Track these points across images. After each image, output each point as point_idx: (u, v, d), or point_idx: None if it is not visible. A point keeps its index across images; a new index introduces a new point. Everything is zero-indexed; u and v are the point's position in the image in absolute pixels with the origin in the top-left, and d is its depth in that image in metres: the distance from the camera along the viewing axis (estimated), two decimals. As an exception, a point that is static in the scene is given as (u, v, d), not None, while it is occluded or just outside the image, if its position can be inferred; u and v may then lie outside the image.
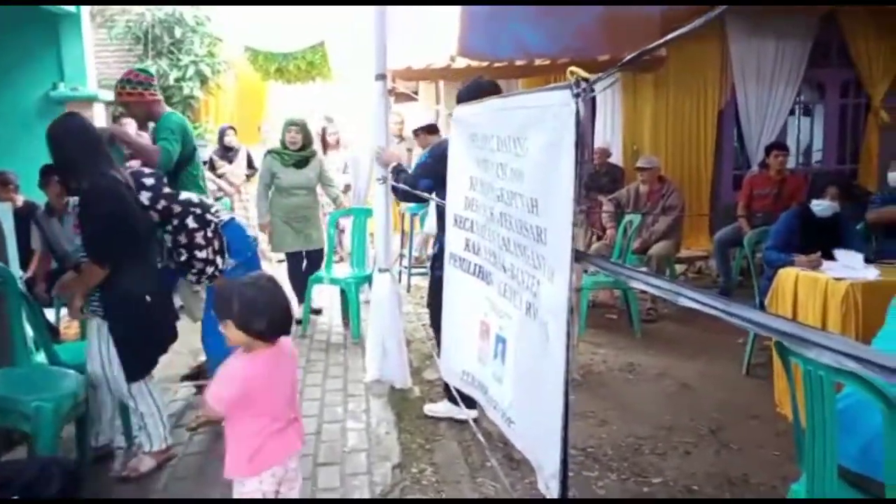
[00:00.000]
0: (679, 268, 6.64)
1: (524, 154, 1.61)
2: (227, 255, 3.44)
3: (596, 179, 6.88)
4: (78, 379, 2.96)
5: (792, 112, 7.32)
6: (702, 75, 6.87)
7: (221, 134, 7.42)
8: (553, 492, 1.41)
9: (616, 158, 7.17)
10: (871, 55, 6.90)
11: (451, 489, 2.98)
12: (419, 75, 7.12)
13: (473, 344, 2.09)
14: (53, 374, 3.07)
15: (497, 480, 2.98)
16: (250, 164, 7.35)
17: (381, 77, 3.87)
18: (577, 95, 1.26)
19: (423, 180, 3.50)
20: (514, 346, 1.79)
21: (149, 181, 3.21)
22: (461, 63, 6.40)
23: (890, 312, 2.43)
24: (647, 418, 3.71)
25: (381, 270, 4.02)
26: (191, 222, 3.28)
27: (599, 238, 6.12)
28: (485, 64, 6.49)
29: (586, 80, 1.23)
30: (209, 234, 3.33)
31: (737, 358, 4.32)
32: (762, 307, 3.92)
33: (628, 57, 1.13)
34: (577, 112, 1.27)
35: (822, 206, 4.02)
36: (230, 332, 2.05)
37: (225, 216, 3.53)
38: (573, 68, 1.20)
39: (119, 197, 2.93)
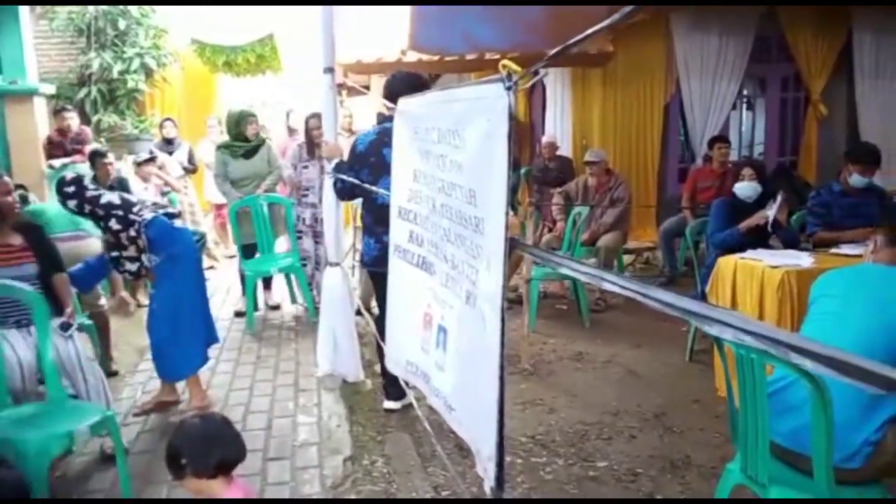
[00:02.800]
0: (627, 258, 6.78)
1: (462, 146, 1.64)
2: (150, 253, 3.54)
3: (546, 173, 6.98)
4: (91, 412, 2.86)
5: (735, 106, 7.53)
6: (648, 70, 7.02)
7: (161, 126, 7.35)
8: (490, 475, 1.45)
9: (566, 152, 7.27)
10: (809, 50, 7.14)
11: (402, 479, 3.01)
12: (370, 69, 7.11)
13: (417, 334, 2.12)
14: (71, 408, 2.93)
15: (448, 469, 3.02)
16: (191, 160, 7.24)
17: (329, 70, 3.85)
18: (508, 88, 1.29)
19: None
20: (454, 335, 1.82)
21: (70, 189, 3.45)
22: (412, 57, 6.40)
23: (811, 297, 2.55)
24: (594, 405, 3.80)
25: (331, 264, 4.01)
26: (114, 224, 3.46)
27: (550, 230, 6.22)
28: (436, 58, 6.52)
29: (519, 72, 1.26)
30: (132, 234, 3.48)
31: (681, 345, 4.45)
32: (703, 295, 4.07)
33: (552, 52, 1.16)
34: (510, 105, 1.31)
35: (743, 188, 4.20)
36: (190, 485, 1.91)
37: (148, 214, 3.53)
38: (504, 62, 1.23)
39: None
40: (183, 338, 3.57)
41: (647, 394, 3.91)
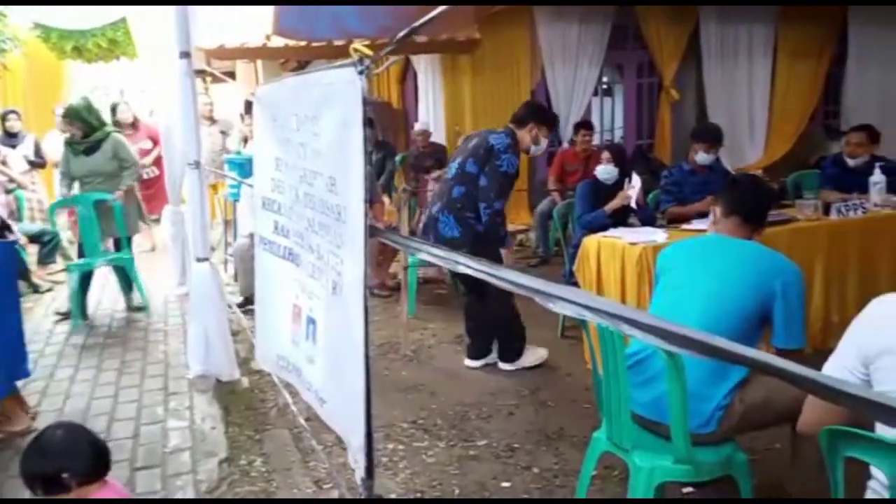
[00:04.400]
0: (502, 241, 6.94)
1: (321, 133, 1.61)
2: None
3: (421, 160, 7.02)
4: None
5: (596, 92, 7.89)
6: (514, 57, 7.19)
7: (3, 119, 6.71)
8: (360, 465, 1.44)
9: (440, 138, 7.34)
10: (661, 38, 7.59)
11: (281, 477, 2.94)
12: (234, 54, 6.83)
13: (287, 328, 2.07)
14: None
15: (330, 462, 2.99)
16: (38, 153, 6.68)
17: (186, 55, 3.66)
18: (361, 73, 1.27)
19: None
20: (323, 326, 1.79)
21: None
22: (278, 42, 6.22)
23: (657, 269, 2.67)
24: (473, 386, 3.88)
25: (198, 260, 3.83)
26: None
27: (427, 216, 6.25)
28: (303, 43, 6.36)
29: (371, 57, 1.24)
30: None
31: (553, 323, 4.63)
32: (572, 274, 4.25)
33: (400, 34, 1.15)
34: (363, 89, 1.29)
35: (602, 171, 4.43)
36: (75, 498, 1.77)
37: None
38: (355, 45, 1.21)
39: None
40: None
41: (523, 371, 4.04)
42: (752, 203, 2.51)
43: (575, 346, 4.29)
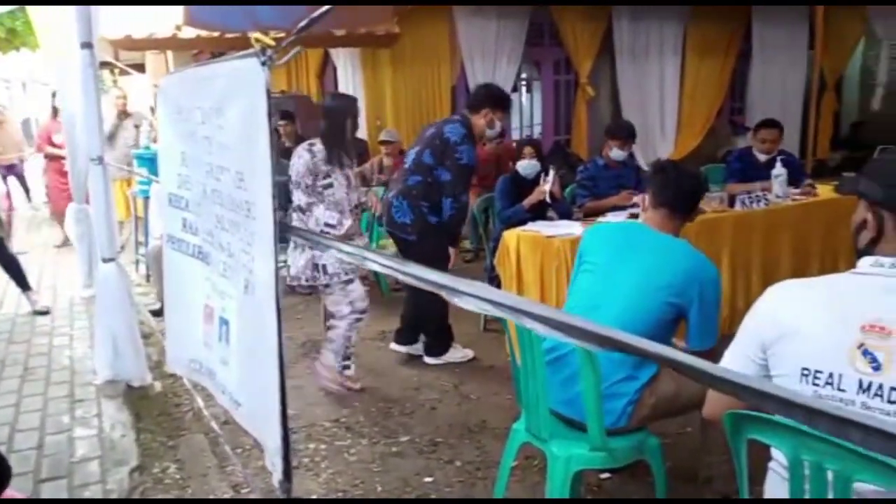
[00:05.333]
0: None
1: (226, 126, 1.55)
2: None
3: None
4: None
5: (516, 88, 7.99)
6: (434, 52, 7.19)
7: None
8: (277, 468, 1.41)
9: (361, 132, 7.26)
10: (576, 36, 7.76)
11: (197, 483, 2.85)
12: (142, 45, 6.54)
13: (199, 329, 2.00)
14: None
15: (247, 467, 2.91)
16: None
17: (88, 45, 3.47)
18: (264, 64, 1.23)
19: None
20: (236, 327, 1.74)
21: None
22: (189, 33, 6.00)
23: (580, 250, 2.65)
24: (396, 382, 3.86)
25: (105, 260, 3.65)
26: None
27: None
28: (215, 34, 6.16)
29: (273, 47, 1.20)
30: None
31: (476, 317, 4.66)
32: (493, 268, 4.29)
33: (300, 25, 1.12)
34: (267, 80, 1.25)
35: (525, 166, 4.50)
36: None
37: None
38: (257, 35, 1.17)
39: None
40: None
41: (447, 365, 4.05)
42: (681, 196, 2.46)
43: (497, 340, 4.33)
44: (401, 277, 0.90)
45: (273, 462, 1.46)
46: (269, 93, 1.23)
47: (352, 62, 7.36)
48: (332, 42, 6.37)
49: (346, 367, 3.74)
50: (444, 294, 0.80)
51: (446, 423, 3.35)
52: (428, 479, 2.87)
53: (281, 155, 5.69)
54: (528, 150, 4.56)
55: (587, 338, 0.63)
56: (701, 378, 0.69)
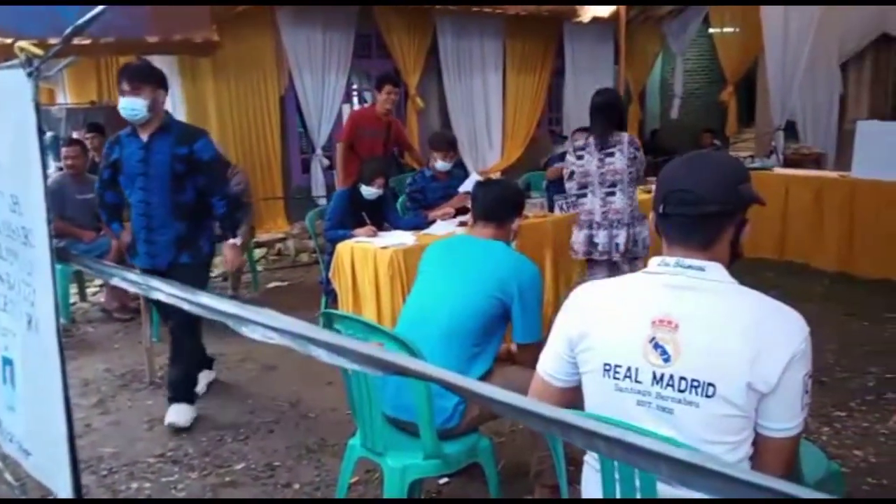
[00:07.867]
0: (259, 252, 6.73)
1: (-4, 144, 1.38)
2: None
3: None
4: None
5: (349, 99, 7.94)
6: (259, 62, 6.96)
7: None
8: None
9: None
10: (403, 49, 7.86)
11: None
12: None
13: (-21, 372, 1.76)
14: None
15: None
16: None
17: None
18: (30, 74, 1.11)
19: None
20: (21, 367, 1.55)
21: None
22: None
23: (419, 267, 2.75)
24: (229, 407, 3.68)
25: None
26: None
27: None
28: (9, 41, 5.55)
29: (40, 56, 1.09)
30: None
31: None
32: (328, 281, 4.23)
33: (67, 31, 1.02)
34: (34, 92, 1.13)
35: (369, 192, 4.39)
36: None
37: None
38: (22, 44, 1.05)
39: None
40: None
41: (283, 385, 3.92)
42: (496, 207, 2.65)
43: (334, 354, 4.26)
44: (192, 309, 0.84)
45: (68, 514, 1.32)
46: (38, 107, 1.11)
47: (169, 71, 6.91)
48: (144, 49, 5.95)
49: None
50: (231, 323, 0.75)
51: (284, 445, 3.24)
52: (263, 507, 2.76)
53: (89, 170, 5.26)
54: (380, 180, 4.38)
55: (368, 363, 0.62)
56: (509, 413, 0.70)
